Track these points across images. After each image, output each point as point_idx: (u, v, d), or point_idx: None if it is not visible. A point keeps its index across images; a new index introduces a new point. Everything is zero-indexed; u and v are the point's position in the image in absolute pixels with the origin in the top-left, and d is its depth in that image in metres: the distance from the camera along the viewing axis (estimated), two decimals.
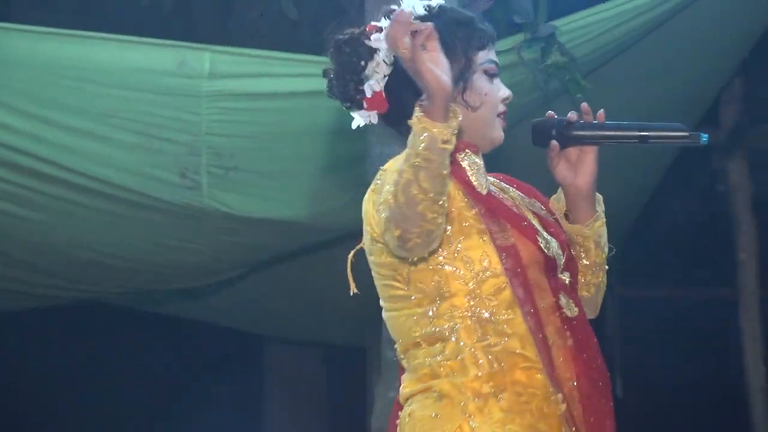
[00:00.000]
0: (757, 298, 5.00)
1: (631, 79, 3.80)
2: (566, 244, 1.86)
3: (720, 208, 5.24)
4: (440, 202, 1.52)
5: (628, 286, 6.53)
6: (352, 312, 4.34)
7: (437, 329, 1.67)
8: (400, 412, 1.74)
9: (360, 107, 1.77)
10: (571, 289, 1.84)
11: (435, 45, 1.48)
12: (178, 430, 5.96)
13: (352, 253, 1.76)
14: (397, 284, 1.68)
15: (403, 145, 1.52)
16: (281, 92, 3.52)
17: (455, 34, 1.76)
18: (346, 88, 1.75)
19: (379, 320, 3.05)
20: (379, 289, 1.73)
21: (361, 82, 1.74)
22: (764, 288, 5.13)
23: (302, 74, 3.59)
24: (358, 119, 1.78)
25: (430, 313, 1.68)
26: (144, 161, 3.51)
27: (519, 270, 1.70)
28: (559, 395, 1.71)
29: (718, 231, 5.43)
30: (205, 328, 5.09)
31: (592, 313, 1.97)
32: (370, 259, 1.71)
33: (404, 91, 1.68)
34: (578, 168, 1.84)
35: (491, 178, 1.84)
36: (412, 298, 1.69)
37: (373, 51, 1.72)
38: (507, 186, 1.90)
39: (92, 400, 5.83)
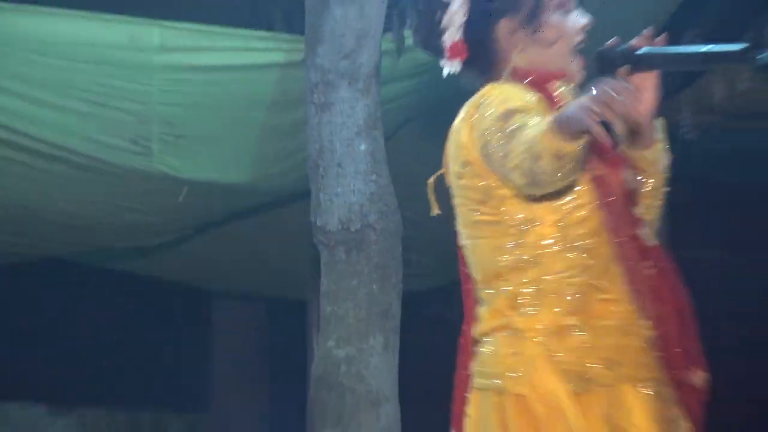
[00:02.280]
0: None
1: None
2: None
3: None
4: (574, 171, 1.55)
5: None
6: (294, 267, 4.82)
7: (522, 257, 1.69)
8: (474, 348, 1.76)
9: (444, 56, 1.82)
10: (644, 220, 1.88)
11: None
12: (133, 380, 6.43)
13: (433, 178, 1.81)
14: (486, 210, 1.70)
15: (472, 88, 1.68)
16: (227, 65, 3.75)
17: None
18: (429, 40, 1.84)
19: (319, 275, 3.37)
20: (461, 216, 1.75)
21: (441, 33, 1.80)
22: None
23: (246, 48, 3.86)
24: (447, 67, 1.82)
25: (517, 242, 1.70)
26: (98, 129, 3.75)
27: (608, 200, 1.74)
28: (646, 322, 1.73)
29: None
30: (157, 284, 5.53)
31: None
32: (459, 182, 1.74)
33: (482, 34, 1.78)
34: (640, 95, 1.78)
35: None
36: (500, 224, 1.71)
37: (446, 3, 1.78)
38: None
39: (51, 352, 6.24)
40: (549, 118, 1.52)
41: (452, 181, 1.77)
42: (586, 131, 1.43)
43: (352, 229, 3.43)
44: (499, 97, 1.69)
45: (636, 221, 1.78)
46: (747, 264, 5.87)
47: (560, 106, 1.73)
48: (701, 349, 1.80)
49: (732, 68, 3.90)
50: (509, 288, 1.68)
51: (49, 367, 6.01)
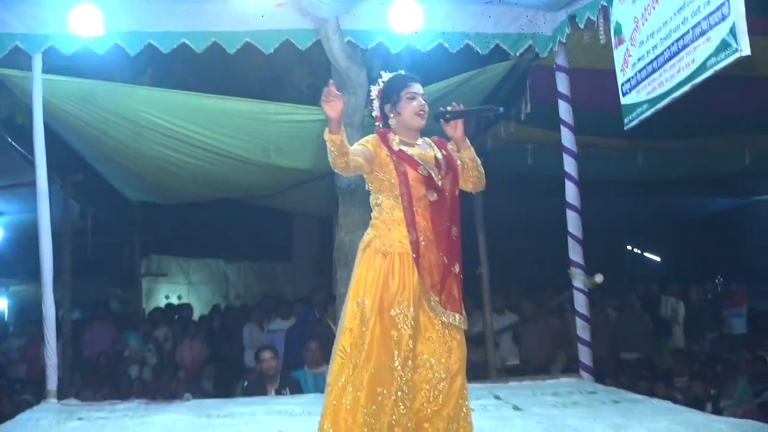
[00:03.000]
0: None
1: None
2: (448, 166, 3.58)
3: None
4: (341, 165, 3.33)
5: None
6: (327, 202, 9.08)
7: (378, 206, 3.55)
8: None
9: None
10: (442, 188, 3.56)
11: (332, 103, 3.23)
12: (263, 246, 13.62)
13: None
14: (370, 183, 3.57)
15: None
16: (301, 120, 7.13)
17: (392, 85, 3.64)
18: (374, 111, 3.72)
19: (338, 205, 6.93)
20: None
21: (371, 113, 3.76)
22: None
23: (309, 113, 7.07)
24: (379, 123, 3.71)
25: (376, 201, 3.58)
26: (249, 146, 7.59)
27: (404, 180, 3.48)
28: (414, 238, 3.44)
29: None
30: (270, 210, 10.55)
31: (481, 187, 3.77)
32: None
33: (381, 111, 3.67)
34: (455, 129, 3.60)
35: (415, 142, 3.61)
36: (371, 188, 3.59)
37: (371, 101, 3.74)
38: (424, 145, 3.62)
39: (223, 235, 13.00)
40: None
41: None
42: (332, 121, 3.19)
43: (351, 187, 6.45)
44: None
45: (427, 188, 3.52)
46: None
47: (390, 145, 3.53)
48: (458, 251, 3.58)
49: (506, 116, 7.64)
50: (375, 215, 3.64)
51: (225, 242, 11.86)
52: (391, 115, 3.68)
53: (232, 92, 7.18)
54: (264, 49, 6.21)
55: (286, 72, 7.69)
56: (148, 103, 6.99)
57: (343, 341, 3.52)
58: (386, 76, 3.74)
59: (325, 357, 7.14)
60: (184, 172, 8.31)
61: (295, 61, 7.33)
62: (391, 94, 3.68)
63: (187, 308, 12.38)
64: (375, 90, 3.76)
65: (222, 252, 14.66)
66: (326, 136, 3.34)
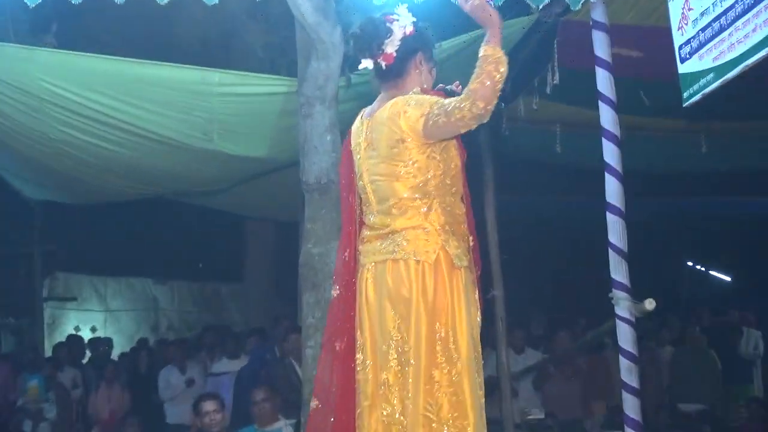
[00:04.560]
0: None
1: None
2: None
3: None
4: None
5: None
6: (291, 203, 8.99)
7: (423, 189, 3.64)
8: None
9: (371, 58, 3.69)
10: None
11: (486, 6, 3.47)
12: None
13: None
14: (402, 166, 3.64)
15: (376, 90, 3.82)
16: (256, 92, 7.26)
17: (430, 38, 3.85)
18: (370, 45, 3.69)
19: (304, 206, 6.60)
20: (384, 168, 3.67)
21: (381, 44, 3.67)
22: None
23: (266, 84, 7.28)
24: (365, 64, 3.71)
25: (417, 183, 3.62)
26: (185, 127, 7.58)
27: (461, 167, 3.79)
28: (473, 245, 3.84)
29: None
30: (213, 211, 10.52)
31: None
32: (390, 151, 3.63)
33: (405, 56, 3.71)
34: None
35: None
36: (408, 174, 3.63)
37: (390, 31, 3.69)
38: None
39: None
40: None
41: (380, 148, 3.67)
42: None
43: (322, 182, 6.26)
44: (418, 99, 3.59)
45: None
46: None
47: None
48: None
49: (528, 89, 7.59)
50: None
51: (153, 255, 11.81)
52: (417, 71, 3.82)
53: (163, 56, 7.24)
54: None
55: (236, 29, 7.84)
56: (53, 70, 6.99)
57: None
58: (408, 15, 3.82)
59: (281, 408, 7.24)
60: (99, 161, 8.32)
61: (247, 15, 7.51)
62: (430, 46, 3.87)
63: (103, 344, 12.31)
64: (407, 23, 3.79)
65: (150, 269, 14.61)
66: (499, 54, 3.47)
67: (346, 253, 3.87)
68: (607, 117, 6.11)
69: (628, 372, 6.08)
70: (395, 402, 3.59)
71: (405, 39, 3.76)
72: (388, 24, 3.75)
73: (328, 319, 3.96)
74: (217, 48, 7.75)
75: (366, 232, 3.84)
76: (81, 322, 14.48)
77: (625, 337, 6.07)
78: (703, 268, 18.00)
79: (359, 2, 6.26)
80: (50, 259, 13.07)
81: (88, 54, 6.95)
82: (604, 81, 6.13)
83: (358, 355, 3.76)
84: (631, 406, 6.07)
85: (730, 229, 15.50)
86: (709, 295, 16.32)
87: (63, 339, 13.20)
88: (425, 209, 3.69)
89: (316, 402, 3.81)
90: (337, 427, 3.68)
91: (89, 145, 8.01)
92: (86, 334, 13.92)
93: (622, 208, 6.02)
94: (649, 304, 5.94)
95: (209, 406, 7.04)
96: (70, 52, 7.02)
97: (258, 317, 12.55)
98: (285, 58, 7.56)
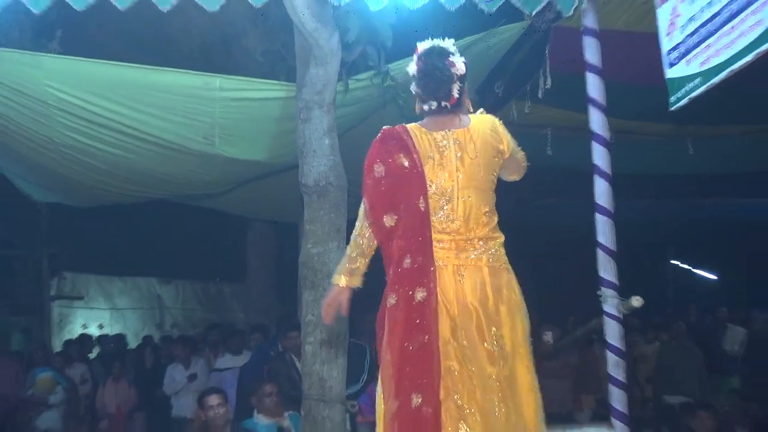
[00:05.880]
0: None
1: None
2: None
3: None
4: None
5: None
6: (290, 205, 8.95)
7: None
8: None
9: (437, 100, 4.01)
10: None
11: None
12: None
13: None
14: (493, 176, 4.07)
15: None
16: (256, 97, 7.13)
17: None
18: (437, 94, 4.02)
19: (303, 208, 6.74)
20: (479, 171, 3.97)
21: (450, 92, 4.00)
22: None
23: (266, 89, 7.16)
24: (429, 106, 4.03)
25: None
26: (186, 131, 7.46)
27: None
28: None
29: None
30: (215, 212, 10.39)
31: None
32: (489, 157, 4.02)
33: (462, 94, 4.03)
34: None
35: None
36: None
37: (453, 77, 4.01)
38: None
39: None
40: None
41: (490, 157, 4.05)
42: None
43: (320, 185, 6.27)
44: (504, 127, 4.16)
45: None
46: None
47: None
48: None
49: (520, 94, 7.61)
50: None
51: (158, 255, 11.62)
52: (467, 101, 4.17)
53: (166, 62, 7.15)
54: (208, 5, 6.07)
55: (237, 35, 7.71)
56: (58, 75, 6.92)
57: None
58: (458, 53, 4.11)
59: (285, 402, 7.22)
60: (104, 164, 8.25)
61: (248, 22, 7.40)
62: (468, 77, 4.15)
63: (110, 341, 12.24)
64: (461, 64, 4.04)
65: (155, 269, 14.62)
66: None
67: (419, 259, 3.91)
68: (597, 120, 6.09)
69: (615, 366, 6.07)
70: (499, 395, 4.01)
71: (461, 79, 4.06)
72: (451, 70, 4.02)
73: (388, 323, 3.92)
74: (217, 54, 7.67)
75: (443, 236, 3.97)
76: (88, 320, 14.43)
77: (613, 333, 6.07)
78: (688, 267, 17.98)
79: (356, 9, 6.27)
80: (57, 259, 13.01)
81: (92, 60, 6.84)
82: (594, 85, 6.11)
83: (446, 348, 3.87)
84: (618, 400, 6.06)
85: (716, 229, 15.43)
86: (695, 293, 16.33)
87: (71, 337, 13.12)
88: (497, 221, 4.10)
89: (418, 398, 3.82)
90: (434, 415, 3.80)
91: (94, 149, 7.93)
92: (93, 332, 13.82)
93: (611, 210, 6.02)
94: (636, 302, 5.94)
95: (213, 400, 7.05)
96: (75, 58, 6.93)
97: (259, 315, 12.49)
98: (284, 63, 7.41)
